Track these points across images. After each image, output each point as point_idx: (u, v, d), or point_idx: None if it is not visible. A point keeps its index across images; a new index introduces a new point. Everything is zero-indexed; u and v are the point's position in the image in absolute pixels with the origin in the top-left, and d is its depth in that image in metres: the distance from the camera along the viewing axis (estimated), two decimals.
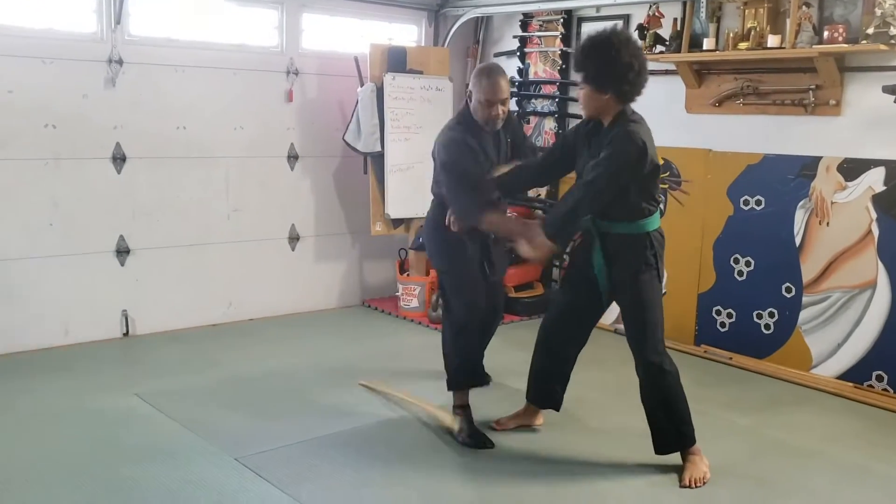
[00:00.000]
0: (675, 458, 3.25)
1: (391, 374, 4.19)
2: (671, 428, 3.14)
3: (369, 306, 5.73)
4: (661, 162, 3.08)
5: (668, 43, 4.65)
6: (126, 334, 4.75)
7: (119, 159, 4.63)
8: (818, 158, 4.20)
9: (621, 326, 5.09)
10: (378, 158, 5.32)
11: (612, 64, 2.93)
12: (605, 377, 4.28)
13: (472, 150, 3.33)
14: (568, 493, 2.95)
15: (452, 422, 3.47)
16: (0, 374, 4.05)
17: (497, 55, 5.93)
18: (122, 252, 4.70)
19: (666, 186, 4.88)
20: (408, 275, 5.59)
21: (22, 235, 4.36)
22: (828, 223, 4.19)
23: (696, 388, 4.15)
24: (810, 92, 4.17)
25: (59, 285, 4.49)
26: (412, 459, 3.21)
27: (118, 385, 3.95)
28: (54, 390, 3.86)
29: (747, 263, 4.54)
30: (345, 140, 5.33)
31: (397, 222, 5.49)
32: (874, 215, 4.03)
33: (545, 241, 3.06)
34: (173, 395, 3.83)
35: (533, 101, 5.70)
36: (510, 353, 4.71)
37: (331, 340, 4.89)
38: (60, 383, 3.95)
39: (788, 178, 4.32)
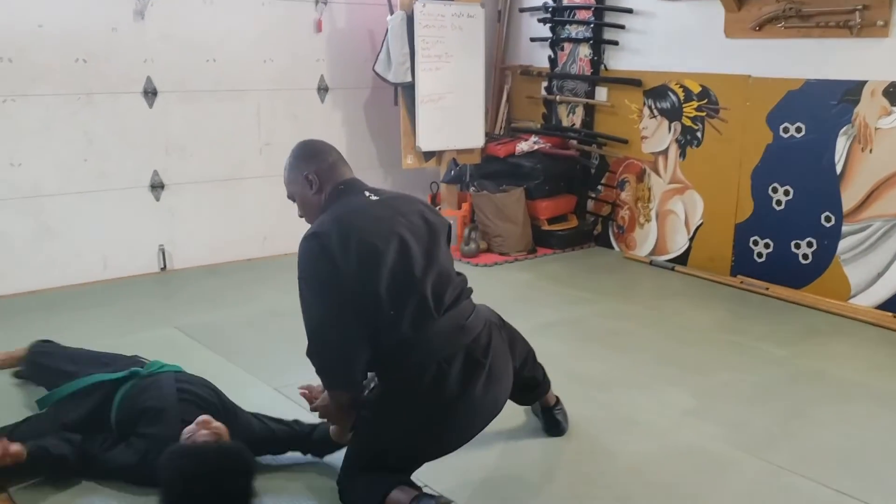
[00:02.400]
0: (708, 385, 3.26)
1: None
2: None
3: None
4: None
5: None
6: (163, 269, 4.81)
7: (150, 93, 4.62)
8: (863, 83, 4.07)
9: (656, 258, 5.09)
10: (409, 89, 5.25)
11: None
12: (636, 309, 4.27)
13: None
14: (601, 420, 2.97)
15: None
16: (41, 309, 4.14)
17: None
18: (157, 187, 4.73)
19: (704, 114, 4.78)
20: (440, 209, 5.57)
21: (58, 172, 4.40)
22: (870, 150, 4.08)
23: (731, 320, 4.14)
24: (857, 13, 4.00)
25: (95, 221, 4.55)
26: None
27: (158, 318, 4.02)
28: (95, 324, 3.93)
29: (786, 192, 4.45)
30: (375, 71, 5.26)
31: (429, 155, 5.45)
32: None
33: None
34: (212, 328, 3.89)
35: (567, 27, 5.56)
36: (544, 285, 4.72)
37: None
38: (101, 317, 4.03)
39: (831, 103, 4.19)
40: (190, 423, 2.47)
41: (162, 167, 4.73)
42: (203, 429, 2.40)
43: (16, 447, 2.38)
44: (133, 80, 4.56)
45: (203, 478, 2.24)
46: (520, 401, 2.85)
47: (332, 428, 2.56)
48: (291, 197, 2.55)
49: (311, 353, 2.31)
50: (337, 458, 2.58)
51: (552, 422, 2.89)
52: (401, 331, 2.26)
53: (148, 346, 3.62)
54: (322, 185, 2.45)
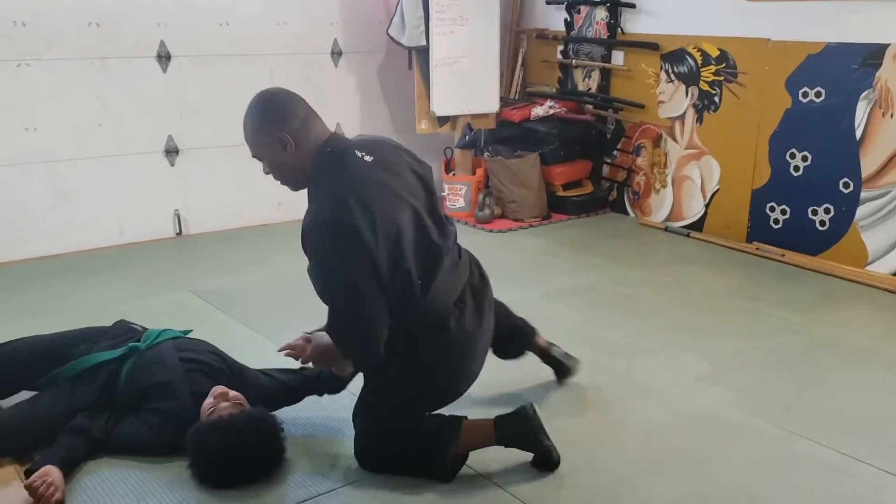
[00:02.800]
0: (722, 351, 3.26)
1: None
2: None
3: None
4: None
5: None
6: (179, 234, 4.83)
7: (164, 58, 4.60)
8: (885, 46, 3.99)
9: (672, 224, 5.06)
10: (423, 53, 5.20)
11: None
12: (651, 276, 4.26)
13: None
14: (615, 386, 2.98)
15: None
16: (57, 273, 4.17)
17: None
18: (172, 152, 4.73)
19: (722, 79, 4.72)
20: (454, 174, 5.55)
21: (73, 137, 4.40)
22: (892, 115, 4.02)
23: (747, 287, 4.12)
24: None
25: (111, 186, 4.56)
26: None
27: (173, 282, 4.05)
28: (112, 288, 3.96)
29: (804, 158, 4.41)
30: (389, 34, 5.21)
31: (443, 120, 5.41)
32: None
33: None
34: (228, 293, 3.91)
35: None
36: (558, 252, 4.71)
37: None
38: (117, 282, 4.06)
39: (851, 67, 4.13)
40: (200, 392, 2.47)
41: (176, 132, 4.73)
42: (223, 401, 2.41)
43: (58, 478, 2.25)
44: (146, 44, 4.54)
45: (241, 449, 2.29)
46: (514, 353, 2.88)
47: (333, 367, 2.57)
48: (258, 157, 2.34)
49: (339, 337, 2.29)
50: (340, 407, 2.59)
51: (558, 364, 2.92)
52: (429, 293, 2.29)
53: (164, 310, 3.66)
54: (298, 144, 2.28)
